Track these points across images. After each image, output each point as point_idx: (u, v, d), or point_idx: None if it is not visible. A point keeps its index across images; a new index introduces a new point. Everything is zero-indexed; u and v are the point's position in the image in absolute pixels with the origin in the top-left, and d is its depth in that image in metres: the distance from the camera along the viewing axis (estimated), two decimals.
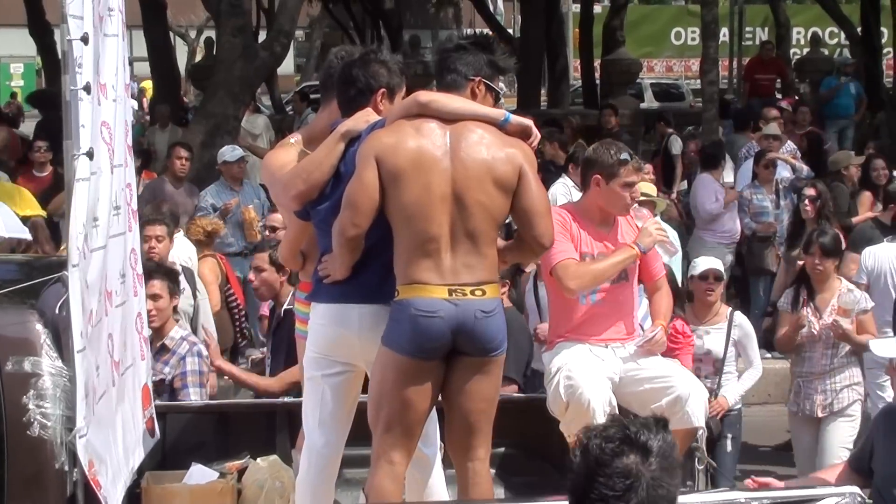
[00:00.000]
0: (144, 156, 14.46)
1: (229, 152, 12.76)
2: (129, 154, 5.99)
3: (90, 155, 4.90)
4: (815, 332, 8.57)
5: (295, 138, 5.86)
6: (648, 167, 10.68)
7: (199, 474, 6.27)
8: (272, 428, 6.65)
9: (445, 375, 5.31)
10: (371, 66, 5.54)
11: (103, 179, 5.40)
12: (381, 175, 5.21)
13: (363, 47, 7.22)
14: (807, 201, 10.94)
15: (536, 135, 5.46)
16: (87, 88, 4.92)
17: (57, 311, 4.99)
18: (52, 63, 22.74)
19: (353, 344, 5.41)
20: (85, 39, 4.91)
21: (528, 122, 5.48)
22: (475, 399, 5.32)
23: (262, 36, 19.15)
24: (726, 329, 8.48)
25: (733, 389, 8.48)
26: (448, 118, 5.31)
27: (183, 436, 6.61)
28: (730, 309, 8.71)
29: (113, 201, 5.59)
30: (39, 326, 5.05)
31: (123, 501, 5.35)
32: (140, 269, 6.27)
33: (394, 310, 5.25)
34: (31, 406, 4.94)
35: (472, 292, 5.21)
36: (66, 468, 4.96)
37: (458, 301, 5.19)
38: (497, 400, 5.44)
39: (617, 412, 6.09)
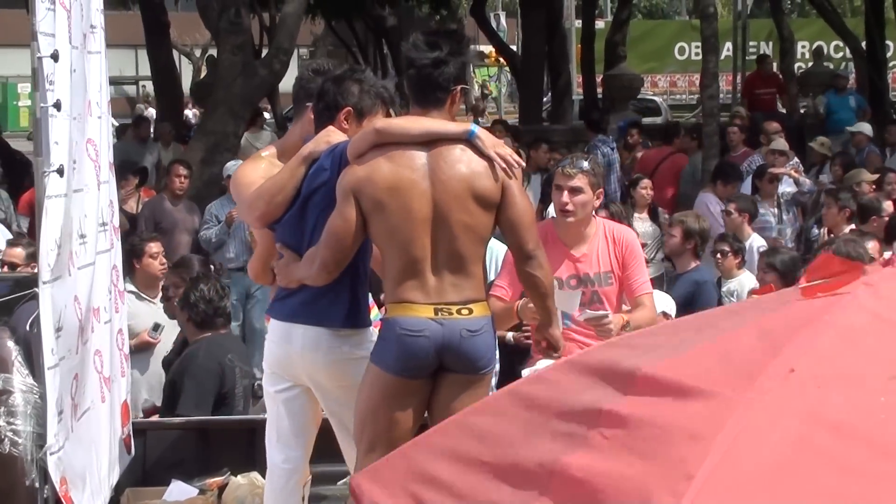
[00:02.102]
0: (142, 173, 14.46)
1: (232, 166, 12.84)
2: (111, 171, 6.02)
3: (60, 172, 4.90)
4: None
5: (267, 151, 5.82)
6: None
7: (179, 491, 6.28)
8: (252, 444, 6.60)
9: (432, 392, 5.28)
10: (344, 84, 5.41)
11: (90, 196, 5.42)
12: (361, 208, 5.16)
13: (351, 66, 7.13)
14: None
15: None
16: (58, 105, 4.92)
17: (28, 328, 5.00)
18: None
19: (296, 362, 5.38)
20: (55, 56, 4.91)
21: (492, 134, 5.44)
22: None
23: (264, 53, 19.16)
24: None
25: None
26: (408, 142, 5.19)
27: (163, 452, 6.60)
28: None
29: (99, 218, 5.61)
30: (11, 343, 5.06)
31: None
32: (122, 286, 6.29)
33: (382, 328, 5.23)
34: (1, 423, 4.95)
35: (459, 311, 5.18)
36: (38, 485, 4.96)
37: (443, 320, 5.15)
38: None
39: None
